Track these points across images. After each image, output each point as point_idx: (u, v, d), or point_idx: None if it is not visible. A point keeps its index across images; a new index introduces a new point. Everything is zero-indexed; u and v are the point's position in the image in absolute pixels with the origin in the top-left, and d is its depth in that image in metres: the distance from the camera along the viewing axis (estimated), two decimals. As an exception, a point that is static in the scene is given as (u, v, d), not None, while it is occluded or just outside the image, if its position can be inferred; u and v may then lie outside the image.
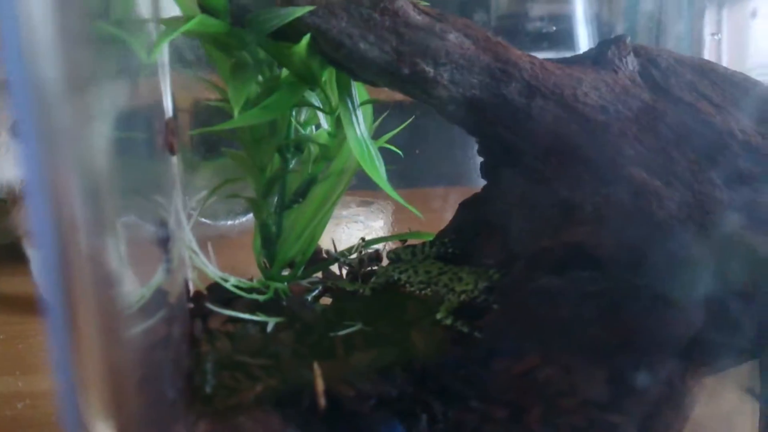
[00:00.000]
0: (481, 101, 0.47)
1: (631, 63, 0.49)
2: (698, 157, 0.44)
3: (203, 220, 0.64)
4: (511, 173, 0.50)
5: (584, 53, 0.50)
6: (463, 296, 0.49)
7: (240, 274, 0.59)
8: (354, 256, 0.63)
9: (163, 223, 0.43)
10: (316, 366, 0.41)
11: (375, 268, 0.61)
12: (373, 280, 0.55)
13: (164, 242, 0.43)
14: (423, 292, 0.52)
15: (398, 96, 0.62)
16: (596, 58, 0.49)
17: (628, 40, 0.50)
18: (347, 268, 0.63)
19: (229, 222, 0.76)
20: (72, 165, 0.27)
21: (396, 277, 0.53)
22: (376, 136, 0.57)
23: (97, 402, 0.29)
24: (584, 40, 0.81)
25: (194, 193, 0.59)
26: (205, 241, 0.58)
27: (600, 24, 0.83)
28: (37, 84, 0.26)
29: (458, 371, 0.44)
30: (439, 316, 0.49)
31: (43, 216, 0.27)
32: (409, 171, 0.60)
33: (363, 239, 0.63)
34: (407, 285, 0.53)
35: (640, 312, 0.42)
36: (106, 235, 0.31)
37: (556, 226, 0.47)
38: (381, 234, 0.71)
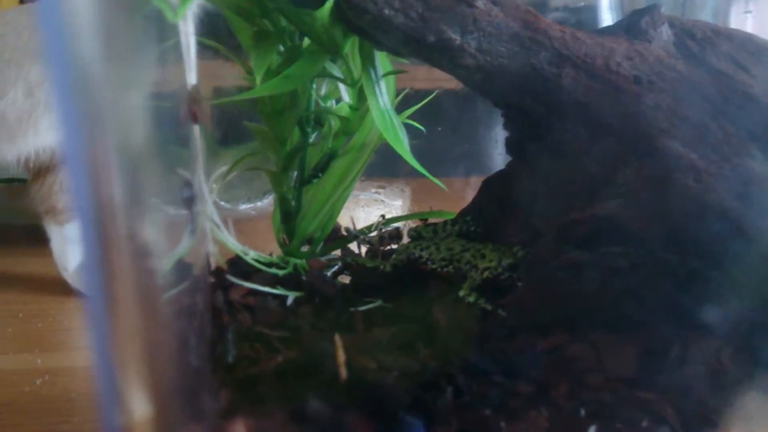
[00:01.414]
0: (509, 71, 0.45)
1: (666, 33, 0.47)
2: (736, 129, 0.42)
3: (222, 203, 0.64)
4: (538, 147, 0.49)
5: (616, 23, 0.48)
6: (486, 273, 0.48)
7: (259, 252, 0.58)
8: (374, 234, 0.62)
9: (188, 184, 0.43)
10: (337, 337, 0.40)
11: (395, 246, 0.60)
12: (393, 257, 0.54)
13: (189, 202, 0.42)
14: (445, 269, 0.51)
15: (417, 84, 0.61)
16: (629, 27, 0.47)
17: (662, 9, 0.48)
18: (367, 246, 0.62)
19: (248, 205, 0.75)
20: (111, 139, 0.27)
21: (417, 255, 0.52)
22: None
23: (134, 372, 0.29)
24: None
25: (214, 173, 0.58)
26: (225, 219, 0.57)
27: (624, 13, 0.81)
28: (77, 58, 0.25)
29: (482, 347, 0.43)
30: (461, 293, 0.48)
31: (84, 188, 0.26)
32: (429, 161, 0.59)
33: (383, 216, 0.62)
34: (428, 262, 0.52)
35: (673, 288, 0.41)
36: (142, 207, 0.30)
37: (584, 201, 0.46)
38: (401, 213, 0.70)
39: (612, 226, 0.42)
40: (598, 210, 0.43)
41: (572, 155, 0.47)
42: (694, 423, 0.36)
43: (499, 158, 0.79)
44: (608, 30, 0.48)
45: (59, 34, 0.25)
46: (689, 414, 0.36)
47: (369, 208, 0.72)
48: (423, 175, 0.52)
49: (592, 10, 0.80)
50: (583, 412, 0.36)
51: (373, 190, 0.75)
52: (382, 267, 0.53)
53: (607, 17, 0.79)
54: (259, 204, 0.76)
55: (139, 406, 0.29)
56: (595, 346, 0.41)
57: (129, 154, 0.30)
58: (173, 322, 0.36)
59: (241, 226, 0.58)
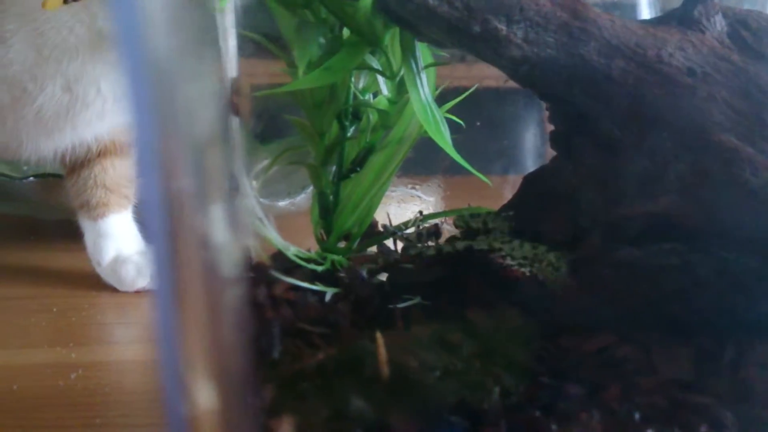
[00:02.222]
0: (557, 61, 0.44)
1: (719, 23, 0.46)
2: (796, 122, 0.41)
3: (262, 200, 0.63)
4: (585, 141, 0.48)
5: (668, 13, 0.47)
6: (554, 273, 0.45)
7: (299, 247, 0.57)
8: (411, 230, 0.60)
9: (230, 175, 0.42)
10: (378, 335, 0.39)
11: (432, 243, 0.59)
12: (457, 243, 0.51)
13: (231, 193, 0.41)
14: (522, 269, 0.45)
15: (456, 81, 0.60)
16: (682, 17, 0.45)
17: (717, -1, 0.46)
18: (405, 242, 0.60)
19: (286, 202, 0.75)
20: (182, 134, 0.27)
21: (497, 247, 0.47)
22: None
23: (200, 365, 0.29)
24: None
25: (255, 168, 0.58)
26: (266, 215, 0.57)
27: (662, 8, 0.79)
28: (151, 54, 0.25)
29: (528, 347, 0.41)
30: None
31: (154, 183, 0.26)
32: (467, 158, 0.57)
33: (421, 212, 0.61)
34: (508, 258, 0.46)
35: (730, 287, 0.39)
36: (208, 202, 0.30)
37: (633, 197, 0.44)
38: (437, 210, 0.69)
39: (665, 223, 0.41)
40: (649, 206, 0.41)
41: (621, 149, 0.45)
42: (754, 429, 0.35)
43: (537, 157, 0.78)
44: (660, 20, 0.47)
45: (133, 26, 0.25)
46: (749, 419, 0.35)
47: (405, 204, 0.71)
48: (460, 172, 0.51)
49: (631, 6, 0.78)
50: (637, 415, 0.35)
51: (410, 185, 0.74)
52: (444, 250, 0.48)
53: (645, 13, 0.77)
54: (297, 199, 0.76)
55: (205, 399, 0.28)
56: (646, 348, 0.40)
57: (198, 147, 0.30)
58: (231, 315, 0.36)
59: (280, 221, 0.58)
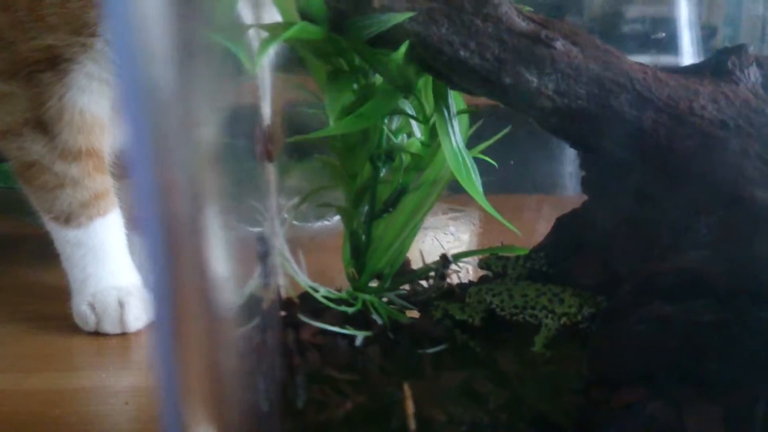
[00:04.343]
0: (588, 113, 0.44)
1: (753, 74, 0.45)
2: (832, 179, 0.40)
3: (295, 222, 0.64)
4: (617, 189, 0.48)
5: (701, 63, 0.47)
6: (564, 319, 0.46)
7: (329, 278, 0.58)
8: (436, 269, 0.61)
9: (262, 239, 0.43)
10: (406, 387, 0.40)
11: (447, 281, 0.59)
12: (474, 308, 0.52)
13: (263, 257, 0.42)
14: (515, 317, 0.49)
15: (482, 100, 0.60)
16: (715, 68, 0.45)
17: (750, 49, 0.46)
18: (432, 281, 0.61)
19: (319, 224, 0.75)
20: (181, 166, 0.27)
21: (488, 301, 0.50)
22: (470, 143, 0.55)
23: (201, 406, 0.29)
24: (686, 44, 0.77)
25: (286, 193, 0.58)
26: (296, 247, 0.57)
27: (702, 27, 0.79)
28: (150, 86, 0.26)
29: (555, 400, 0.41)
30: (536, 348, 0.46)
31: (152, 215, 0.27)
32: (500, 176, 0.58)
33: (444, 255, 0.61)
34: (497, 309, 0.50)
35: (763, 345, 0.38)
36: (210, 239, 0.30)
37: (665, 248, 0.44)
38: (470, 246, 0.69)
39: (696, 279, 0.41)
40: (680, 262, 0.41)
41: (653, 199, 0.45)
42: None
43: (573, 177, 0.77)
44: (692, 69, 0.47)
45: (131, 53, 0.25)
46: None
47: (438, 239, 0.71)
48: (496, 192, 0.51)
49: (671, 22, 0.78)
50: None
51: (443, 214, 0.74)
52: (470, 320, 0.51)
53: (685, 33, 0.76)
54: (333, 220, 0.76)
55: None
56: (676, 404, 0.40)
57: (200, 181, 0.30)
58: (242, 358, 0.37)
59: (313, 246, 0.58)
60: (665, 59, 0.78)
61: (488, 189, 0.51)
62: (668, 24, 0.79)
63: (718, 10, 0.87)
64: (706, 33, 0.81)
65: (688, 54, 0.77)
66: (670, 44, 0.77)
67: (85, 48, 0.64)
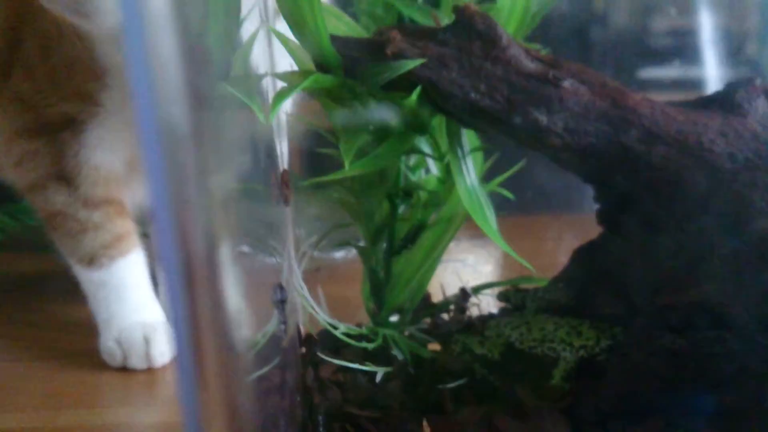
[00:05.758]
0: (598, 149, 0.45)
1: (762, 106, 0.46)
2: (842, 210, 0.40)
3: (316, 253, 0.65)
4: (631, 221, 0.48)
5: (710, 96, 0.47)
6: (582, 352, 0.47)
7: (348, 311, 0.58)
8: (455, 303, 0.62)
9: (280, 286, 0.44)
10: (425, 424, 0.40)
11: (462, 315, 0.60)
12: (493, 341, 0.53)
13: (281, 304, 0.43)
14: (534, 351, 0.49)
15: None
16: (723, 101, 0.46)
17: (759, 81, 0.47)
18: (452, 314, 0.62)
19: (342, 253, 0.77)
20: (197, 209, 0.29)
21: (507, 334, 0.51)
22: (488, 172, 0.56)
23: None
24: (711, 58, 0.77)
25: (304, 223, 0.60)
26: (315, 281, 0.58)
27: (729, 40, 0.79)
28: (168, 132, 0.27)
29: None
30: (554, 381, 0.47)
31: (170, 255, 0.28)
32: (518, 196, 0.58)
33: (463, 289, 0.62)
34: (516, 343, 0.50)
35: (777, 378, 0.39)
36: (228, 279, 0.32)
37: (679, 279, 0.45)
38: (490, 278, 0.70)
39: (709, 310, 0.41)
40: (693, 295, 0.42)
41: (665, 231, 0.46)
42: None
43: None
44: (701, 103, 0.47)
45: (149, 96, 0.26)
46: None
47: (458, 272, 0.71)
48: (520, 212, 0.51)
49: (693, 35, 0.78)
50: None
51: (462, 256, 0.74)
52: (490, 354, 0.52)
53: (708, 48, 0.76)
54: (348, 254, 0.77)
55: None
56: (693, 436, 0.40)
57: (218, 222, 0.31)
58: (262, 398, 0.37)
59: (332, 276, 0.59)
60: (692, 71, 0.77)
61: (507, 208, 0.52)
62: (692, 36, 0.79)
63: (747, 22, 0.86)
64: (735, 43, 0.80)
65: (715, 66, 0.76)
66: (696, 57, 0.76)
67: (91, 114, 0.69)
